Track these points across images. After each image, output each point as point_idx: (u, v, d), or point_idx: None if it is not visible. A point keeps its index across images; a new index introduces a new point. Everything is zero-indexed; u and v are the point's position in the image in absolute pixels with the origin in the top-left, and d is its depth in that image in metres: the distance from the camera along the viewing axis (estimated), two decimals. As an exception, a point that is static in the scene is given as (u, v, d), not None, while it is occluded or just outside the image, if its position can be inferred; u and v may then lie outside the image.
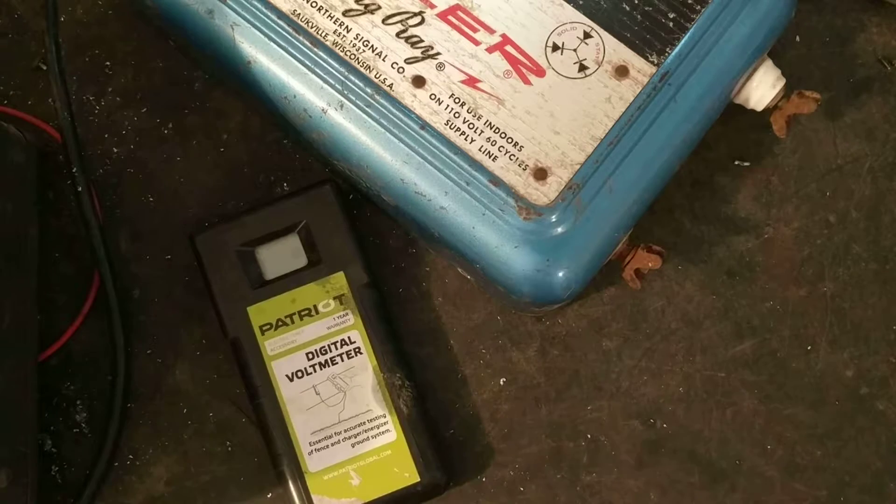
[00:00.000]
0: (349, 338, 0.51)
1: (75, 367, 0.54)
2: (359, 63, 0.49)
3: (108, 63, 0.56)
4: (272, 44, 0.49)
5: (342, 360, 0.51)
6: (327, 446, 0.51)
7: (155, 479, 0.53)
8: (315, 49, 0.49)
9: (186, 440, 0.53)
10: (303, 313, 0.51)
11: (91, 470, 0.52)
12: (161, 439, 0.53)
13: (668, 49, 0.48)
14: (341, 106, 0.48)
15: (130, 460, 0.53)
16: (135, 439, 0.53)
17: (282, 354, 0.51)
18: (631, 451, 0.53)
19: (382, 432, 0.51)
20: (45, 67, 0.56)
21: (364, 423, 0.51)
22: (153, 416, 0.53)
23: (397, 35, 0.49)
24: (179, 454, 0.53)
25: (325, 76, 0.48)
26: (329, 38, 0.49)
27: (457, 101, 0.48)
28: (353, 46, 0.49)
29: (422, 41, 0.49)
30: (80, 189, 0.52)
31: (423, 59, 0.49)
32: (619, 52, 0.49)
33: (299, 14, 0.49)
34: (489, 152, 0.48)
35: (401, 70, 0.49)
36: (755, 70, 0.50)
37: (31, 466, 0.49)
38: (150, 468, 0.53)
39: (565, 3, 0.49)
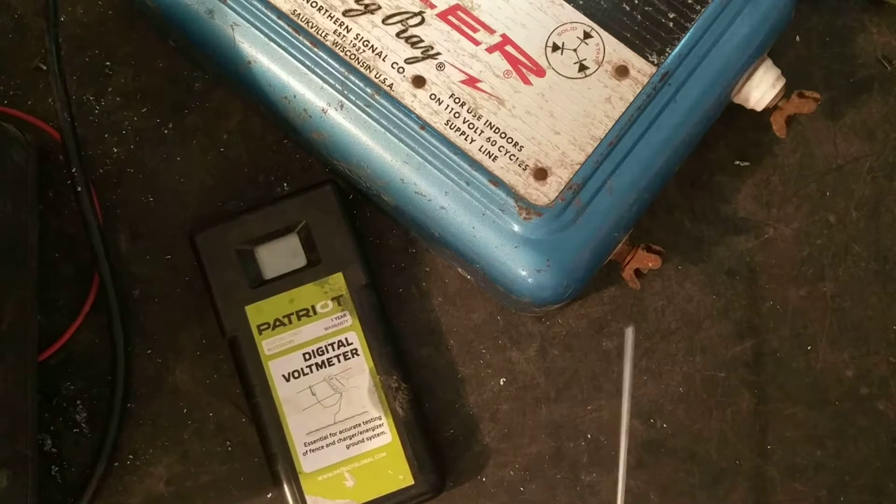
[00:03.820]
0: (346, 339, 0.51)
1: (75, 367, 0.54)
2: (359, 63, 0.49)
3: (108, 63, 0.56)
4: (272, 44, 0.49)
5: (339, 362, 0.51)
6: (322, 447, 0.51)
7: (155, 479, 0.53)
8: (315, 49, 0.49)
9: (186, 440, 0.53)
10: (301, 313, 0.51)
11: (91, 470, 0.52)
12: (161, 439, 0.53)
13: (668, 49, 0.48)
14: (341, 106, 0.48)
15: (130, 460, 0.53)
16: (135, 439, 0.53)
17: (279, 354, 0.51)
18: (631, 451, 0.53)
19: (378, 434, 0.51)
20: (45, 67, 0.56)
21: (359, 424, 0.51)
22: (153, 416, 0.53)
23: (397, 35, 0.49)
24: (179, 454, 0.53)
25: (325, 76, 0.48)
26: (329, 38, 0.49)
27: (457, 101, 0.48)
28: (353, 46, 0.49)
29: (422, 41, 0.49)
30: (79, 189, 0.52)
31: (423, 59, 0.49)
32: (619, 52, 0.49)
33: (299, 14, 0.49)
34: (489, 152, 0.48)
35: (401, 70, 0.49)
36: (755, 70, 0.50)
37: (31, 466, 0.49)
38: (150, 468, 0.53)
39: (565, 3, 0.49)
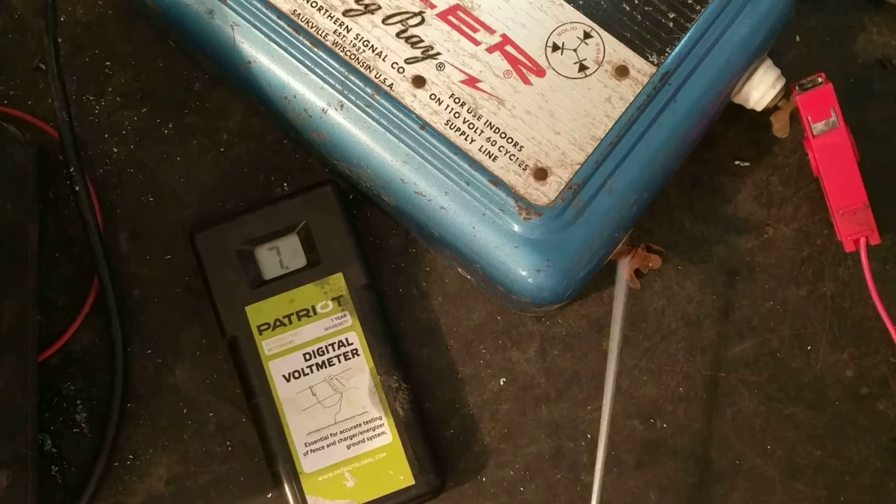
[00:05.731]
0: (347, 339, 0.51)
1: (75, 367, 0.54)
2: (359, 63, 0.49)
3: (108, 63, 0.56)
4: (272, 44, 0.49)
5: (339, 362, 0.51)
6: (323, 447, 0.51)
7: (155, 479, 0.53)
8: (315, 49, 0.49)
9: (186, 440, 0.53)
10: (301, 314, 0.51)
11: (91, 470, 0.52)
12: (161, 439, 0.53)
13: (668, 49, 0.48)
14: (341, 106, 0.48)
15: (130, 460, 0.53)
16: (135, 439, 0.53)
17: (279, 354, 0.51)
18: (631, 451, 0.53)
19: (378, 434, 0.51)
20: (45, 67, 0.56)
21: (360, 424, 0.51)
22: (153, 416, 0.53)
23: (397, 35, 0.49)
24: (179, 454, 0.53)
25: (325, 76, 0.48)
26: (329, 38, 0.49)
27: (457, 101, 0.48)
28: (353, 46, 0.49)
29: (422, 41, 0.49)
30: (77, 189, 0.52)
31: (423, 59, 0.49)
32: (619, 52, 0.49)
33: (299, 14, 0.49)
34: (489, 152, 0.48)
35: (401, 70, 0.49)
36: (755, 70, 0.50)
37: (31, 466, 0.49)
38: (150, 468, 0.53)
39: (565, 3, 0.49)
